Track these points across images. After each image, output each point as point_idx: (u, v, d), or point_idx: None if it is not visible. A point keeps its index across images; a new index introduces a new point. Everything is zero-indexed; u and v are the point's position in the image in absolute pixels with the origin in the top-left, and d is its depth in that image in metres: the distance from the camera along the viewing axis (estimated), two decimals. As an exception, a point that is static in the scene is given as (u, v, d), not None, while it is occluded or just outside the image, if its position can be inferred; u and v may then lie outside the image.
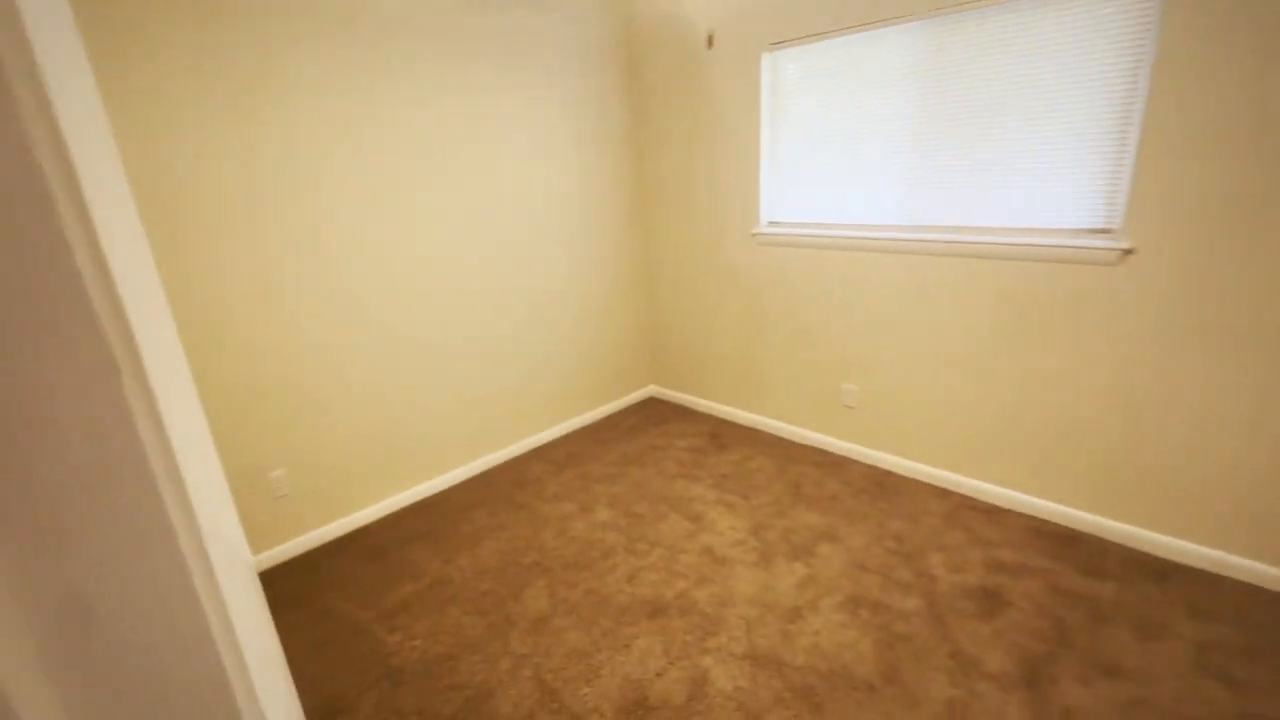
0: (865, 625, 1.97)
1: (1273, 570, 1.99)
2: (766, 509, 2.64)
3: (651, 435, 3.43)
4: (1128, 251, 2.04)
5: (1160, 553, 2.20)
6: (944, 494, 2.68)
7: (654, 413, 3.73)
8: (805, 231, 2.89)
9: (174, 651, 0.37)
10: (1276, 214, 1.78)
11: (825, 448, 3.13)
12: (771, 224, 3.05)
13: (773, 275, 3.09)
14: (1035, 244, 2.22)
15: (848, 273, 2.80)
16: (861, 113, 2.60)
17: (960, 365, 2.55)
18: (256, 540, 2.38)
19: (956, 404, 2.61)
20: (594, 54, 3.18)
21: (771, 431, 3.35)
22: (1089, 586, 2.07)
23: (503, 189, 2.93)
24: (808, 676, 1.79)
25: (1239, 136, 1.79)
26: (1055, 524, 2.41)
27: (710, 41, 2.97)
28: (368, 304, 2.55)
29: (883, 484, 2.79)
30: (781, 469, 2.97)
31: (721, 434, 3.38)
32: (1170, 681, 1.70)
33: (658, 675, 1.83)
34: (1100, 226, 2.11)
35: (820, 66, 2.68)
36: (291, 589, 2.31)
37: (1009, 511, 2.52)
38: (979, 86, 2.25)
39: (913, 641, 1.89)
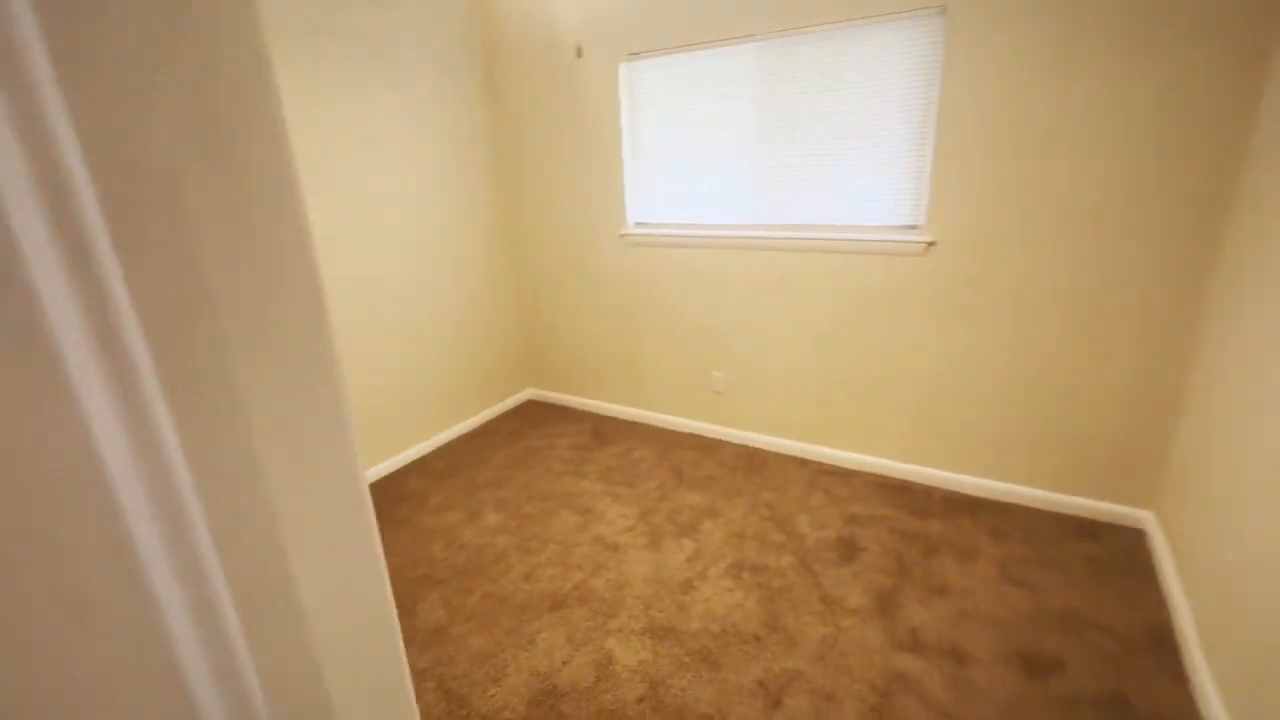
0: (749, 586, 2.17)
1: (1045, 494, 2.50)
2: (652, 495, 2.79)
3: (534, 437, 3.44)
4: (931, 244, 2.45)
5: (969, 491, 2.66)
6: (803, 463, 3.01)
7: (534, 415, 3.75)
8: (670, 231, 3.09)
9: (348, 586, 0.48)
10: (1026, 212, 2.25)
11: (700, 433, 3.36)
12: (638, 225, 3.21)
13: (643, 274, 3.26)
14: (863, 239, 2.58)
15: (710, 269, 3.03)
16: (714, 121, 2.83)
17: (808, 348, 2.88)
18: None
19: (808, 382, 2.94)
20: (457, 56, 3.13)
21: (651, 423, 3.52)
22: (920, 525, 2.46)
23: (365, 193, 2.79)
24: (702, 639, 1.95)
25: (1002, 148, 2.23)
26: (892, 477, 2.82)
27: (579, 52, 3.05)
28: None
29: (752, 460, 3.06)
30: (663, 456, 3.14)
31: (604, 430, 3.49)
32: (985, 593, 2.08)
33: (564, 664, 1.88)
34: (910, 223, 2.51)
35: (675, 77, 2.87)
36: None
37: (856, 472, 2.89)
38: (813, 100, 2.57)
39: (789, 593, 2.13)
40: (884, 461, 2.85)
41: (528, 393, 3.99)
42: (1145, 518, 2.34)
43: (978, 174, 2.30)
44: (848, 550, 2.34)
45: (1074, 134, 2.12)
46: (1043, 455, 2.48)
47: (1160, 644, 1.84)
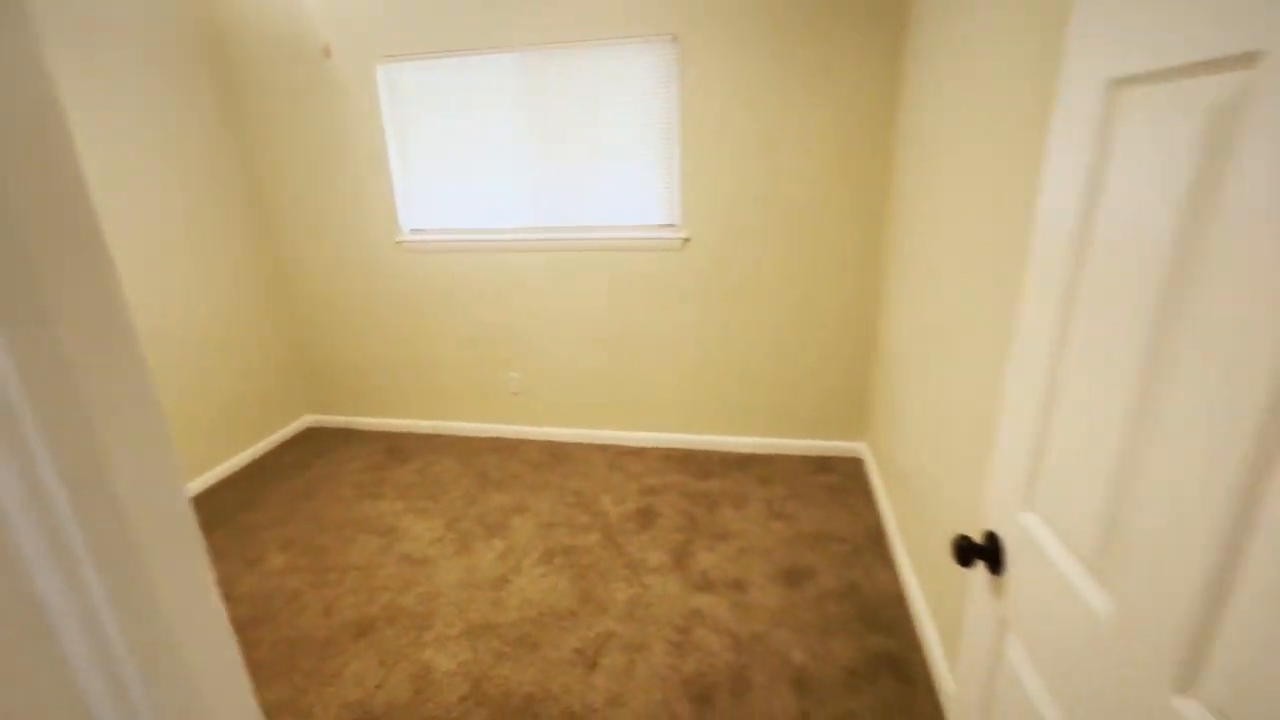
0: (561, 568, 2.29)
1: (795, 441, 3.04)
2: (457, 503, 2.76)
3: (320, 465, 3.16)
4: (687, 239, 2.81)
5: (741, 449, 3.11)
6: (603, 448, 3.22)
7: (317, 443, 3.43)
8: (449, 237, 3.06)
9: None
10: (758, 208, 2.71)
11: (502, 435, 3.39)
12: (414, 231, 3.13)
13: (427, 281, 3.18)
14: (630, 237, 2.86)
15: (494, 272, 3.08)
16: (487, 127, 2.88)
17: (594, 340, 3.09)
18: None
19: (597, 372, 3.16)
20: (176, 50, 2.71)
21: (451, 433, 3.45)
22: (704, 485, 2.82)
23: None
24: (521, 627, 2.02)
25: (733, 155, 2.66)
26: (679, 448, 3.17)
27: (328, 52, 2.86)
28: None
29: (556, 454, 3.19)
30: (466, 464, 3.12)
31: (400, 447, 3.33)
32: (756, 530, 2.48)
33: (378, 687, 1.81)
34: (669, 222, 2.84)
35: (442, 83, 2.86)
36: None
37: (649, 448, 3.19)
38: (577, 110, 2.76)
39: (598, 567, 2.30)
40: (671, 435, 3.18)
41: (306, 420, 3.63)
42: (861, 448, 2.98)
43: (717, 178, 2.70)
44: (646, 518, 2.59)
45: (785, 142, 2.60)
46: (789, 410, 3.01)
47: (877, 541, 2.38)
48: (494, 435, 3.40)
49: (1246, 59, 0.49)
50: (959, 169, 1.70)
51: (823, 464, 2.96)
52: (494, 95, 2.82)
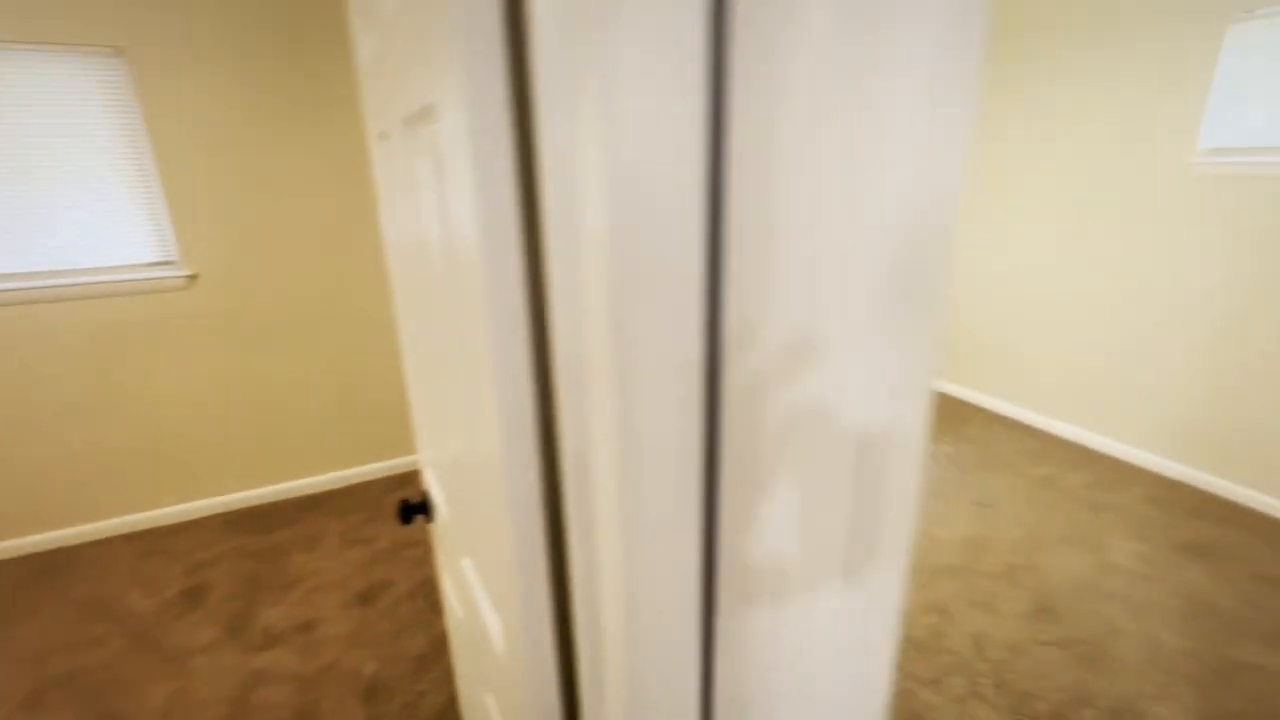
0: (61, 705, 1.81)
1: (370, 466, 3.04)
2: None
3: None
4: (192, 277, 2.50)
5: (313, 489, 2.94)
6: (130, 538, 2.63)
7: None
8: None
9: None
10: (278, 240, 2.60)
11: (-51, 568, 2.43)
12: None
13: None
14: (111, 280, 2.39)
15: (-126, 347, 2.18)
16: None
17: (81, 410, 2.49)
18: None
19: (98, 448, 2.55)
20: None
21: None
22: (269, 540, 2.58)
23: None
24: (-12, 801, 1.53)
25: (234, 185, 2.48)
26: (240, 508, 2.81)
27: None
28: None
29: (52, 565, 2.46)
30: None
31: None
32: (331, 565, 2.40)
33: None
34: (163, 259, 2.48)
35: None
36: None
37: (200, 519, 2.74)
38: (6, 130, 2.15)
39: (121, 679, 1.89)
40: (228, 497, 2.80)
41: None
42: (438, 455, 3.17)
43: (223, 208, 2.48)
44: (194, 598, 2.24)
45: (286, 165, 2.54)
46: (356, 437, 2.98)
47: (453, 534, 2.58)
48: (-67, 572, 2.41)
49: (385, 135, 0.76)
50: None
51: (400, 481, 3.04)
52: None
